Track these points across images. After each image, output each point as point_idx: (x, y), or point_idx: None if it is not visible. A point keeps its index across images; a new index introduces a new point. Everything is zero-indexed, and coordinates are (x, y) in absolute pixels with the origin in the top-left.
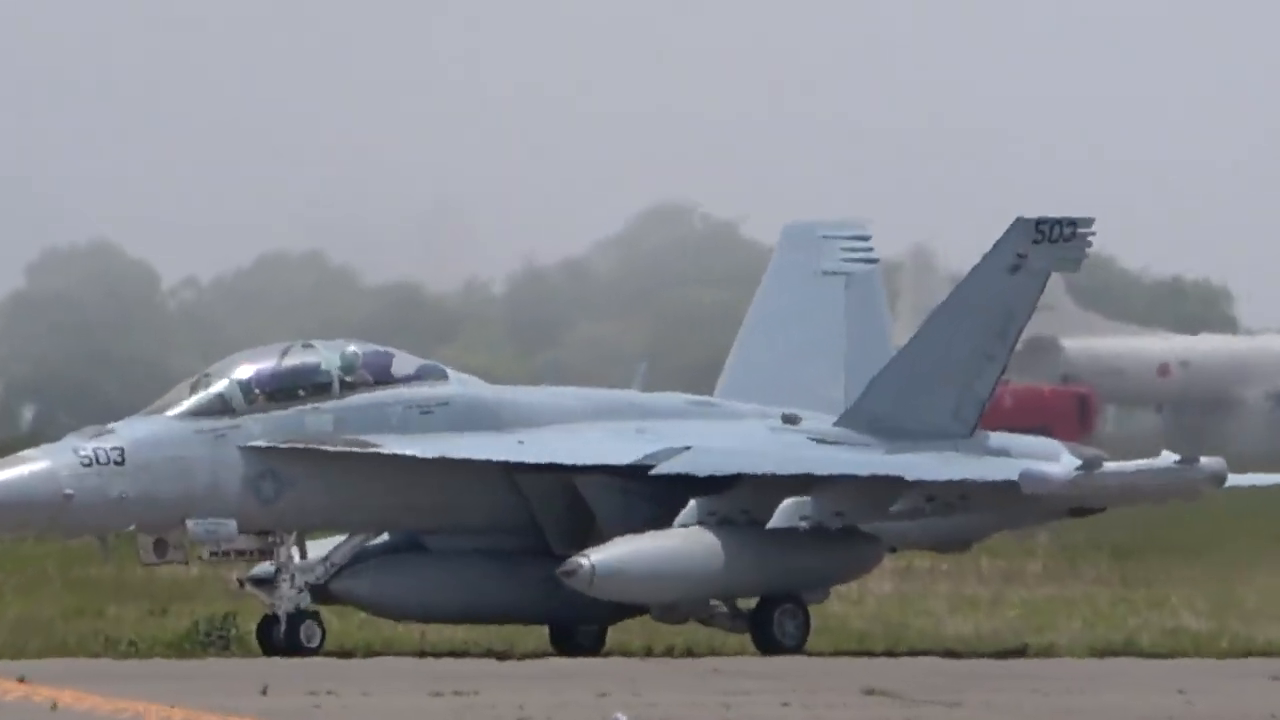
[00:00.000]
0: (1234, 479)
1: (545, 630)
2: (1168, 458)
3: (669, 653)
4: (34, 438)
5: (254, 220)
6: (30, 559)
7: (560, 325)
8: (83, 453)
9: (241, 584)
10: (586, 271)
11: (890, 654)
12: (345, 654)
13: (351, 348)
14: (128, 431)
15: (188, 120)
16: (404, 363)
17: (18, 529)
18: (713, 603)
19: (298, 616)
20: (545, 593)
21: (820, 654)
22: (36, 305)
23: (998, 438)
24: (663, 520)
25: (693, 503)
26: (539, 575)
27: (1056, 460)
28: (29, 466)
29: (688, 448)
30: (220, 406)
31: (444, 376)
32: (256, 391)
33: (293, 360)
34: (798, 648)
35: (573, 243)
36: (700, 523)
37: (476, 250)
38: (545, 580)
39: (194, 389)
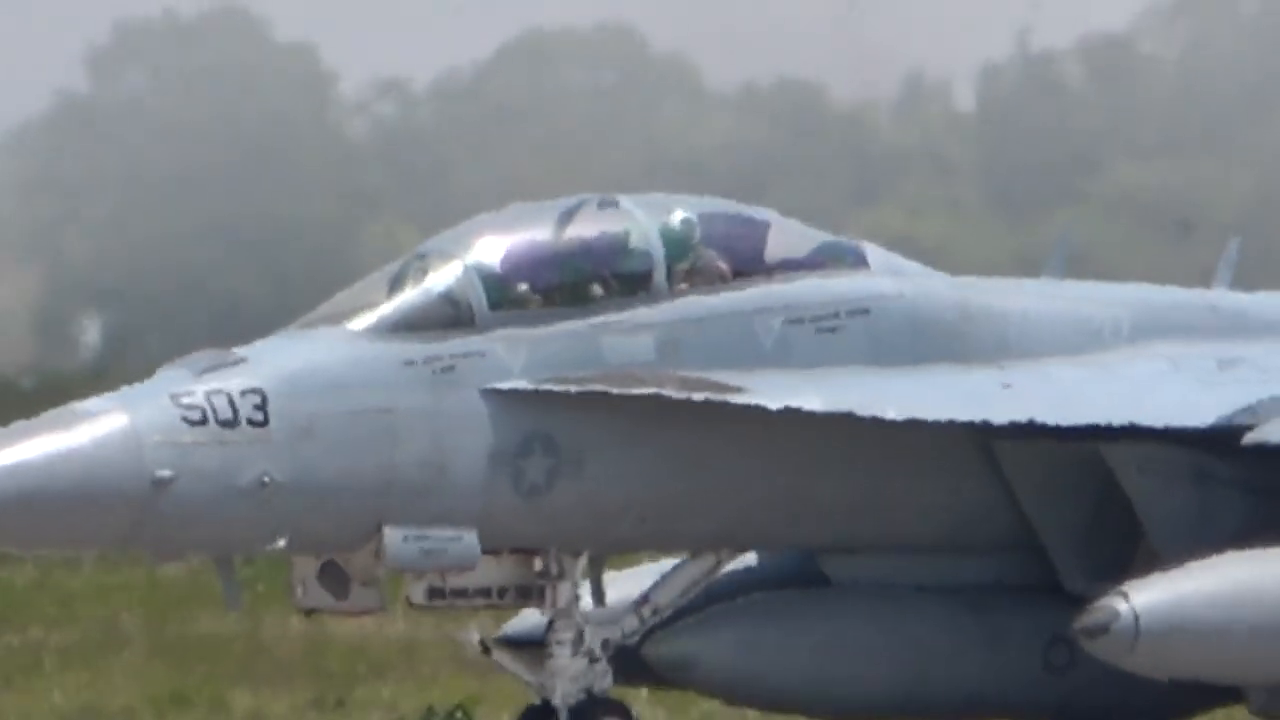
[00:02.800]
0: None
1: None
2: None
3: None
4: (98, 373)
5: None
6: (92, 600)
7: (1075, 163)
8: (188, 400)
9: (486, 648)
10: (1122, 67)
11: None
12: None
13: (689, 209)
14: (273, 360)
15: None
16: (787, 237)
17: (71, 543)
18: None
19: (590, 708)
20: (1050, 666)
21: None
22: (102, 124)
23: None
24: (1264, 529)
25: None
26: (1036, 633)
27: None
28: (89, 429)
29: None
30: (447, 315)
31: (862, 262)
32: (516, 287)
33: (582, 230)
34: None
35: (1078, 22)
36: None
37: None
38: (1049, 643)
39: (397, 282)
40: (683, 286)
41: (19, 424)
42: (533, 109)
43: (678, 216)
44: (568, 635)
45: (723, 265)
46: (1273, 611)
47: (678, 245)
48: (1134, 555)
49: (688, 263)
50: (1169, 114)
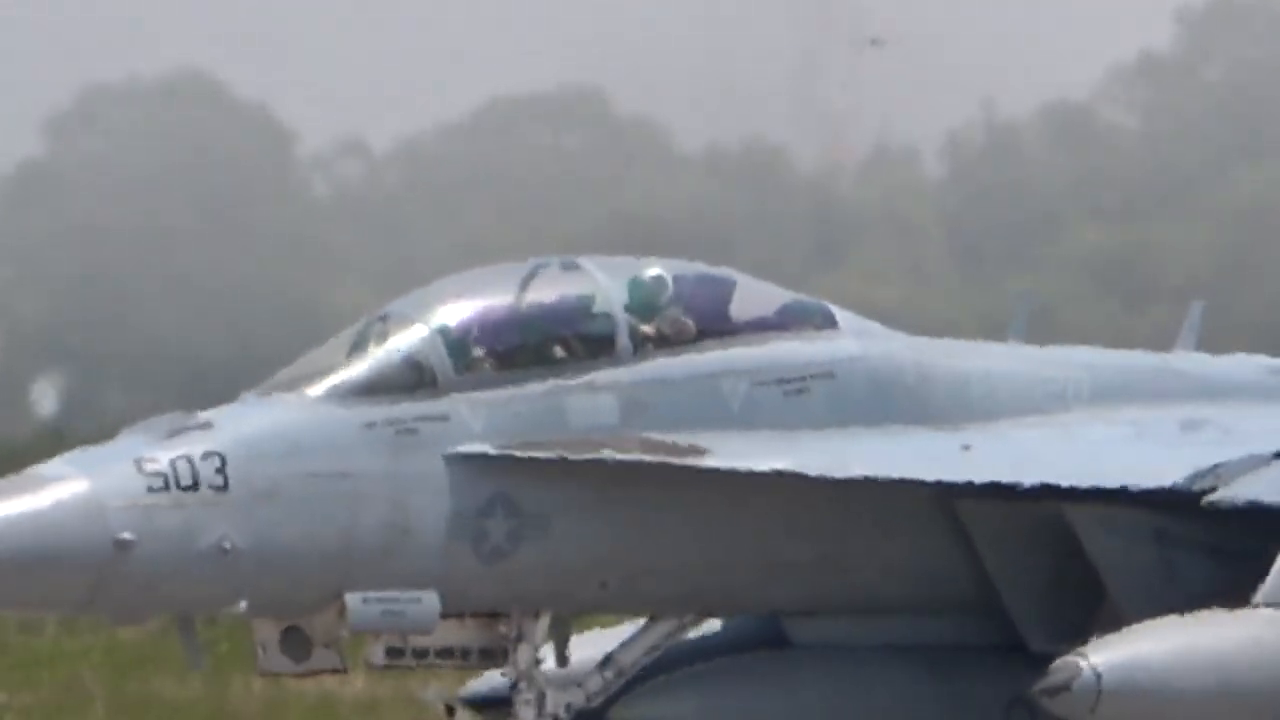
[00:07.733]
0: None
1: None
2: None
3: None
4: (57, 436)
5: (468, 49)
6: (54, 662)
7: (1037, 227)
8: (151, 465)
9: (450, 710)
10: (1084, 134)
11: None
12: None
13: (654, 270)
14: (234, 424)
15: None
16: (753, 297)
17: (33, 605)
18: None
19: None
20: None
21: None
22: (62, 187)
23: None
24: (1226, 590)
25: None
26: (997, 694)
27: None
28: (50, 492)
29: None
30: (409, 378)
31: (830, 323)
32: (476, 351)
33: (545, 293)
34: None
35: (1052, 82)
36: None
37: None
38: (1010, 704)
39: (359, 345)
40: (647, 348)
41: None
42: (498, 171)
43: (641, 277)
44: (531, 697)
45: (688, 326)
46: (1233, 673)
47: (641, 307)
48: (1096, 616)
49: (652, 324)
50: (1130, 179)
